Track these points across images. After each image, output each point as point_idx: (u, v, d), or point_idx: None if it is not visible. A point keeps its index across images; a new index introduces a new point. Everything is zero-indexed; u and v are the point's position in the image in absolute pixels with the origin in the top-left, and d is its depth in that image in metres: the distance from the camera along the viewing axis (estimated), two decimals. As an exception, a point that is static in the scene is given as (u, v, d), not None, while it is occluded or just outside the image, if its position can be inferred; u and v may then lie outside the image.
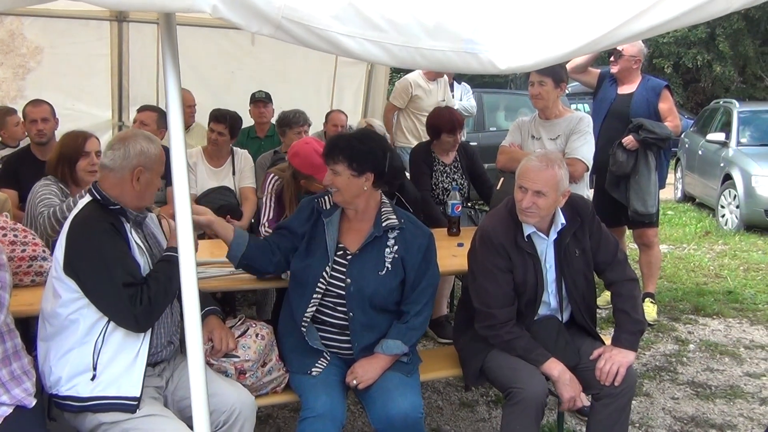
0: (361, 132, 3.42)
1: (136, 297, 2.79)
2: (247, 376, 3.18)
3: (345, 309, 3.27)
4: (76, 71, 7.18)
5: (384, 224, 3.33)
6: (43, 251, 3.47)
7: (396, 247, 3.32)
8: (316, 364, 3.24)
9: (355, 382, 3.21)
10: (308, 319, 3.27)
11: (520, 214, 3.37)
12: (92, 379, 2.87)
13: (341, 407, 3.13)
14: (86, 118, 7.09)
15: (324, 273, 3.25)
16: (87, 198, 3.01)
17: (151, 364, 3.03)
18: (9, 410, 2.71)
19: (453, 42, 2.14)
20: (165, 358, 3.14)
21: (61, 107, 6.04)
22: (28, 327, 3.53)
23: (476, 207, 5.81)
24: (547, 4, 2.26)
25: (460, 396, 4.68)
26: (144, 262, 2.97)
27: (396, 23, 2.07)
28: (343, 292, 3.26)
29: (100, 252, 2.82)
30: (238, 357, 3.16)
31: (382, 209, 3.39)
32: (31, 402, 2.77)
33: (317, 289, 3.25)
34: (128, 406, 2.85)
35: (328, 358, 3.28)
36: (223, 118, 5.58)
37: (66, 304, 2.85)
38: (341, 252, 3.31)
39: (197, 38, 6.88)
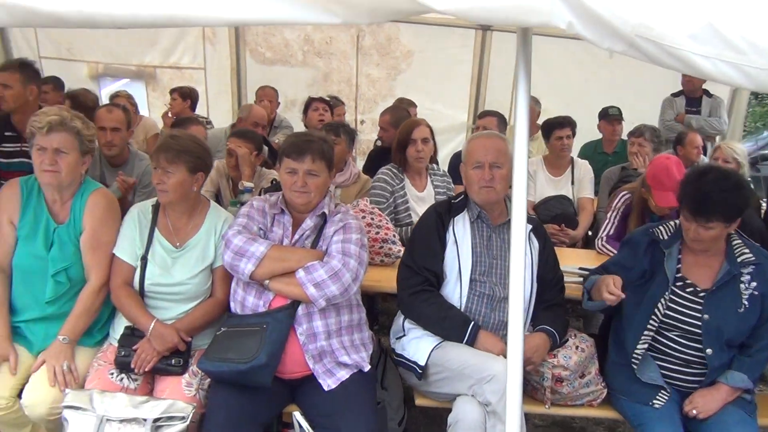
0: (729, 179, 3.06)
1: (412, 282, 3.25)
2: (563, 384, 3.24)
3: (700, 345, 3.14)
4: (439, 75, 7.74)
5: (739, 260, 3.15)
6: (393, 236, 3.85)
7: (754, 284, 3.13)
8: (658, 397, 3.17)
9: (694, 412, 3.11)
10: (640, 354, 3.21)
11: None
12: (398, 338, 3.35)
13: None
14: (444, 119, 7.61)
15: (658, 306, 3.16)
16: None
17: None
18: (347, 375, 3.08)
19: (822, 66, 2.00)
20: None
21: (422, 107, 6.56)
22: (373, 303, 3.97)
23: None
24: None
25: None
26: (453, 259, 3.26)
27: (757, 45, 1.98)
28: (698, 330, 3.13)
29: (416, 228, 3.41)
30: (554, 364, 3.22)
31: (733, 242, 3.21)
32: (367, 367, 3.13)
33: (650, 324, 3.18)
34: (416, 371, 3.20)
35: (669, 392, 3.19)
36: (567, 124, 5.66)
37: None
38: (690, 288, 3.18)
39: (555, 47, 6.99)
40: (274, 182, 4.25)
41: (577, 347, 3.29)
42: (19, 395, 3.01)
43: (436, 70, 7.72)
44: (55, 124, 3.05)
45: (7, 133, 4.46)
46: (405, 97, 6.92)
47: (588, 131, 6.72)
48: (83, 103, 5.58)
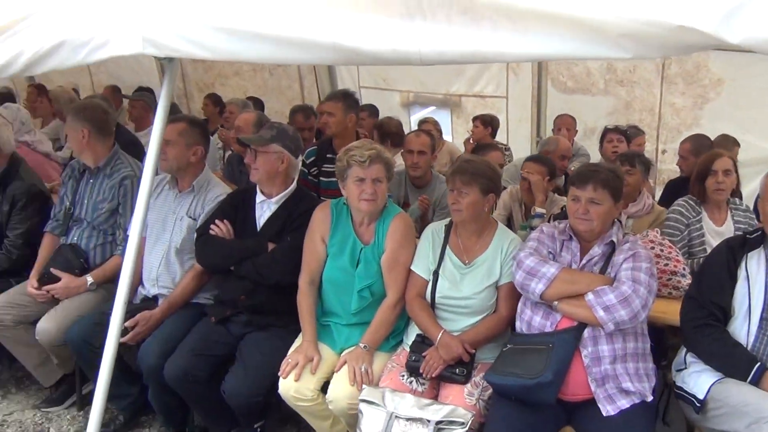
0: None
1: (696, 315, 3.17)
2: None
3: None
4: (753, 104, 7.23)
5: None
6: (683, 268, 3.75)
7: None
8: None
9: None
10: None
11: None
12: (679, 370, 3.27)
13: None
14: (754, 150, 7.09)
15: None
16: None
17: None
18: (628, 404, 3.06)
19: None
20: None
21: (730, 137, 6.22)
22: (661, 337, 3.90)
23: None
24: None
25: None
26: (744, 295, 3.11)
27: None
28: None
29: (705, 261, 3.38)
30: None
31: None
32: (649, 397, 3.10)
33: None
34: (694, 405, 3.08)
35: None
36: None
37: None
38: None
39: None
40: (564, 209, 4.34)
41: None
42: (322, 390, 3.40)
43: (749, 98, 7.22)
44: (374, 157, 3.44)
45: (328, 155, 5.03)
46: (730, 135, 6.60)
47: None
48: (388, 129, 6.13)
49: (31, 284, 4.18)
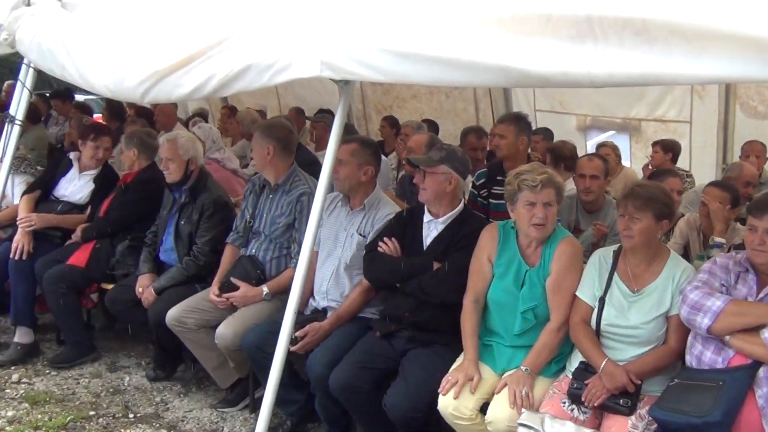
0: None
1: None
2: None
3: None
4: None
5: None
6: None
7: None
8: None
9: None
10: None
11: None
12: None
13: None
14: None
15: None
16: None
17: None
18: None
19: None
20: None
21: None
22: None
23: None
24: None
25: None
26: None
27: None
28: None
29: None
30: None
31: None
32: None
33: None
34: None
35: None
36: None
37: None
38: None
39: None
40: (745, 240, 4.10)
41: None
42: (481, 410, 3.41)
43: None
44: (546, 181, 3.44)
45: (498, 178, 5.03)
46: None
47: None
48: (561, 153, 6.05)
49: (212, 291, 4.49)
